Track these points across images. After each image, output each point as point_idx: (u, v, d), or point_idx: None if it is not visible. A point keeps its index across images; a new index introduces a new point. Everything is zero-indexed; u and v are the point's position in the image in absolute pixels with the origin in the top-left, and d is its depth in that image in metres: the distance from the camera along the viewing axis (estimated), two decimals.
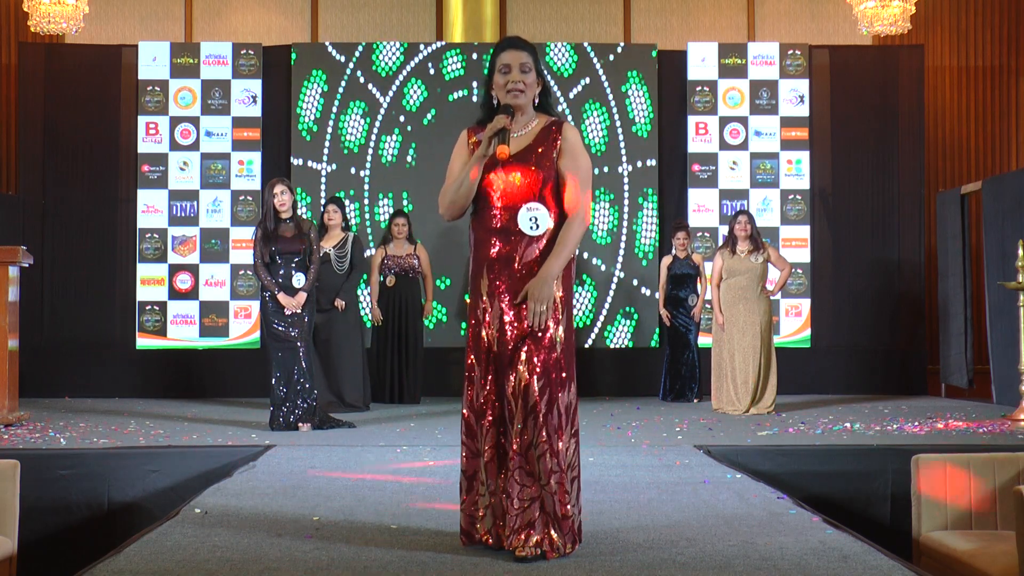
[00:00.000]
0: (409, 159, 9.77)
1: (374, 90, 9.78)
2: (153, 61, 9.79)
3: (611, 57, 9.91)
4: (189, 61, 9.81)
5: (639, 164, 9.85)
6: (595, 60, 9.89)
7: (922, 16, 10.47)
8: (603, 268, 9.79)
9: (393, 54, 9.83)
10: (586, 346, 9.72)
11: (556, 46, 9.90)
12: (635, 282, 9.79)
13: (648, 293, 9.73)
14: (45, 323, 9.61)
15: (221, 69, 9.81)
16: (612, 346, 9.78)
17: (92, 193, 9.77)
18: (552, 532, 3.30)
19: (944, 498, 4.24)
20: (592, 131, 9.82)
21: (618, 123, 9.86)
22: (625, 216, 9.84)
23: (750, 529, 3.80)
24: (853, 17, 9.88)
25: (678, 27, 10.61)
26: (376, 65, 9.81)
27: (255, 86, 9.81)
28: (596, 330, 9.76)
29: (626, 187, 9.84)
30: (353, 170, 9.75)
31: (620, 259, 9.81)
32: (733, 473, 5.05)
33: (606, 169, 9.80)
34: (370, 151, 9.78)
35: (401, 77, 9.81)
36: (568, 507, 3.32)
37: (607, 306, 9.77)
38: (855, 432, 6.52)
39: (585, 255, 9.74)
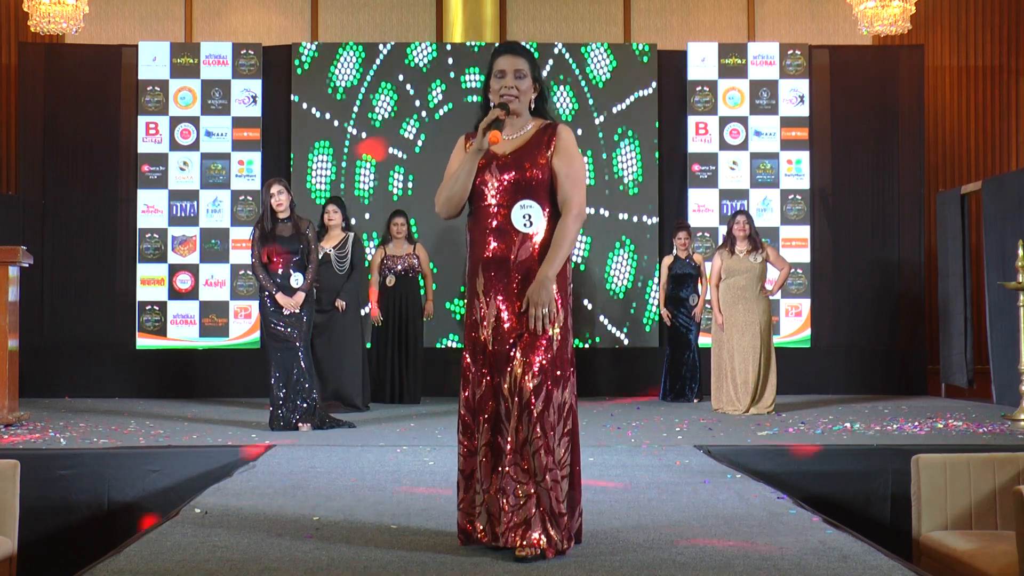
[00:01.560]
0: (419, 144, 9.78)
1: (389, 90, 9.77)
2: (153, 61, 9.79)
3: (611, 57, 9.92)
4: (189, 61, 9.81)
5: (638, 165, 9.86)
6: (594, 61, 9.89)
7: (922, 16, 10.47)
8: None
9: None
10: (587, 345, 9.72)
11: (556, 47, 9.90)
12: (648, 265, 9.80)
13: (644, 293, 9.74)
14: (45, 323, 9.61)
15: (221, 69, 9.81)
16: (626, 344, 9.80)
17: (92, 193, 9.77)
18: (550, 529, 3.30)
19: (944, 498, 4.24)
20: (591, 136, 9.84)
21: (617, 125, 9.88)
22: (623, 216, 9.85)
23: (750, 529, 3.80)
24: (853, 17, 9.88)
25: (678, 27, 10.61)
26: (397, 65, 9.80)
27: (255, 86, 9.81)
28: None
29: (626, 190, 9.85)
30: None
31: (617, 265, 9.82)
32: (733, 473, 5.05)
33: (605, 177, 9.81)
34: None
35: (423, 78, 9.80)
36: (564, 505, 3.33)
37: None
38: (855, 432, 6.52)
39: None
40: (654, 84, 9.90)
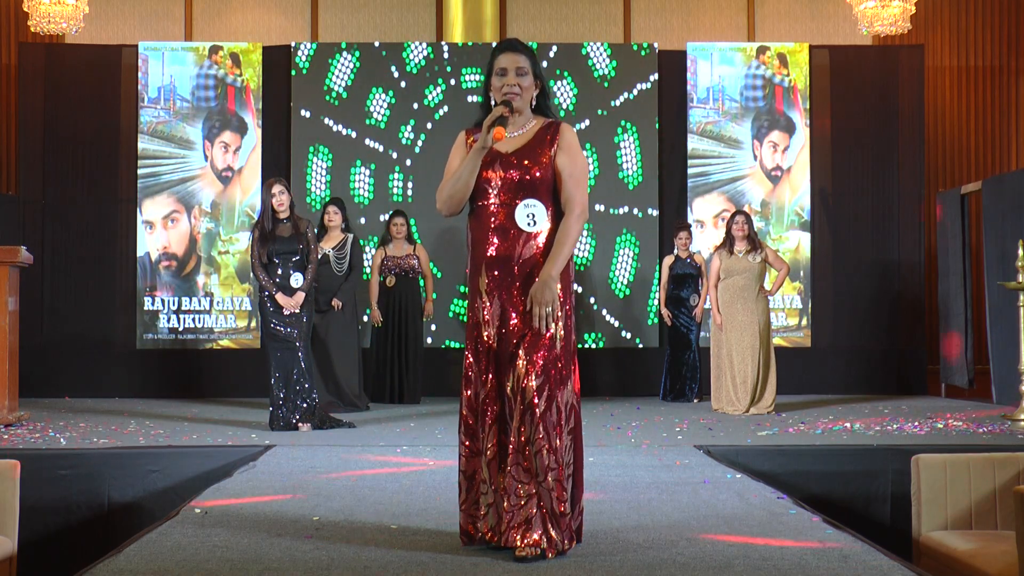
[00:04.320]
0: (419, 145, 9.77)
1: (388, 89, 9.76)
2: (153, 61, 9.78)
3: (610, 58, 9.91)
4: (189, 61, 9.81)
5: (639, 165, 9.86)
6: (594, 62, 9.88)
7: (922, 16, 10.47)
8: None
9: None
10: (587, 346, 9.71)
11: (553, 48, 9.89)
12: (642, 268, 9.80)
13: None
14: (45, 323, 9.60)
15: (221, 69, 9.81)
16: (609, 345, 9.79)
17: (92, 193, 9.77)
18: (551, 530, 3.30)
19: (944, 498, 4.24)
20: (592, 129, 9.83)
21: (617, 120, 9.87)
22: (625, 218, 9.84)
23: (750, 529, 3.80)
24: (853, 17, 9.88)
25: (678, 27, 10.61)
26: (401, 63, 9.78)
27: (255, 86, 9.81)
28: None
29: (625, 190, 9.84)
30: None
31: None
32: (733, 473, 5.05)
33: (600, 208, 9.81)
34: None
35: (419, 77, 9.78)
36: (566, 505, 3.33)
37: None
38: (855, 432, 6.52)
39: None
40: (653, 79, 9.88)
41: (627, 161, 9.84)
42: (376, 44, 9.88)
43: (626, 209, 9.80)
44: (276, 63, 9.87)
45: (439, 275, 9.52)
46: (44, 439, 6.09)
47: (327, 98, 9.72)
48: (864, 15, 9.55)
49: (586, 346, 9.69)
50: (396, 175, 9.74)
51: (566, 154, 3.47)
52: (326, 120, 9.72)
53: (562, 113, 9.69)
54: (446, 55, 9.82)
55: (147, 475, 5.43)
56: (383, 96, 9.77)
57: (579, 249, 9.71)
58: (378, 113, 9.77)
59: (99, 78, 9.85)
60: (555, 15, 10.59)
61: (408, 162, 9.75)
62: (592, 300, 9.76)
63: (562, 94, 9.80)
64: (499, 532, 3.36)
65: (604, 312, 9.76)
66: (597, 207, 9.71)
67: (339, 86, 9.75)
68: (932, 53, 10.70)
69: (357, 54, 9.80)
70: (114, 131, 9.82)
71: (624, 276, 9.78)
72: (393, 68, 9.78)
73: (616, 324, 9.75)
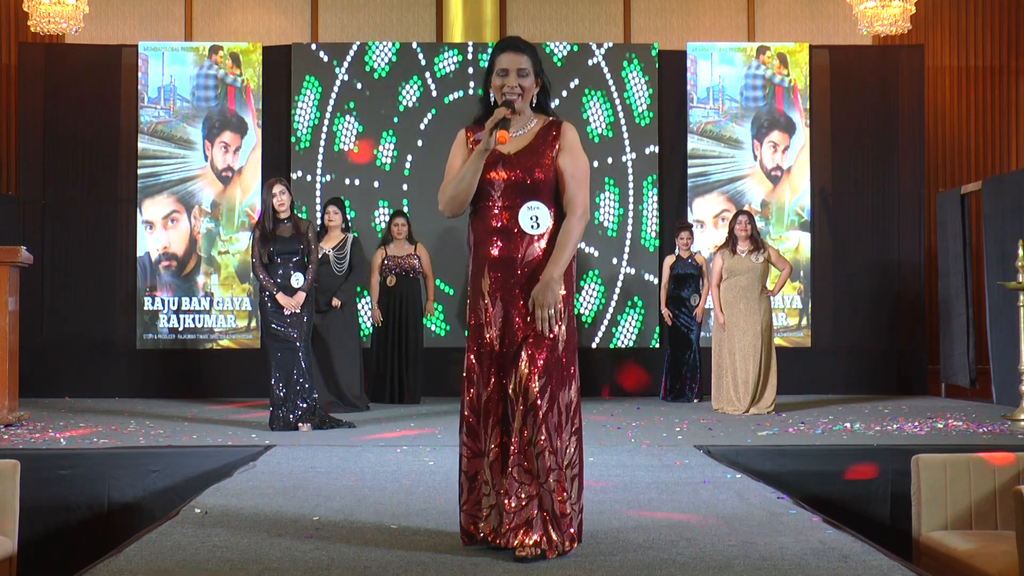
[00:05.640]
0: (407, 164, 9.76)
1: (367, 92, 9.75)
2: (153, 61, 9.78)
3: (610, 55, 9.90)
4: (189, 61, 9.81)
5: (639, 161, 9.86)
6: (596, 57, 9.87)
7: (922, 16, 10.47)
8: (612, 262, 9.79)
9: (386, 55, 9.79)
10: (592, 346, 9.71)
11: (557, 45, 9.88)
12: (644, 276, 9.79)
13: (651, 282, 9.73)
14: (45, 323, 9.60)
15: (221, 69, 9.80)
16: (620, 345, 9.77)
17: (92, 193, 9.77)
18: (551, 531, 3.30)
19: (944, 498, 4.24)
20: (595, 122, 9.81)
21: (621, 119, 9.86)
22: (630, 213, 9.83)
23: (750, 529, 3.80)
24: (853, 17, 9.88)
25: (678, 27, 10.61)
26: (369, 66, 9.77)
27: (255, 86, 9.81)
28: (603, 328, 9.77)
29: (630, 181, 9.83)
30: (348, 180, 9.71)
31: (626, 254, 9.80)
32: (733, 473, 5.05)
33: (609, 160, 9.79)
34: (366, 155, 9.76)
35: (396, 78, 9.78)
36: (567, 505, 3.33)
37: (614, 302, 9.77)
38: (855, 432, 6.52)
39: (588, 249, 9.74)
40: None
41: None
42: (378, 44, 9.85)
43: (626, 210, 9.81)
44: (276, 63, 9.87)
45: (451, 292, 9.54)
46: (44, 439, 6.09)
47: (325, 94, 9.72)
48: (864, 15, 9.55)
49: (588, 346, 9.69)
50: (396, 175, 9.75)
51: (568, 154, 3.47)
52: (325, 118, 9.73)
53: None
54: (420, 54, 9.79)
55: (147, 475, 5.43)
56: (379, 96, 9.76)
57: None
58: (378, 113, 9.76)
59: (99, 78, 9.85)
60: (555, 15, 10.59)
61: (393, 178, 9.74)
62: (590, 301, 9.76)
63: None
64: (500, 533, 3.36)
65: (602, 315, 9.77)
66: (600, 209, 9.72)
67: (337, 86, 9.74)
68: (932, 53, 10.71)
69: (355, 52, 9.77)
70: (114, 131, 9.82)
71: (623, 278, 9.79)
72: (391, 67, 9.77)
73: (611, 327, 9.76)
